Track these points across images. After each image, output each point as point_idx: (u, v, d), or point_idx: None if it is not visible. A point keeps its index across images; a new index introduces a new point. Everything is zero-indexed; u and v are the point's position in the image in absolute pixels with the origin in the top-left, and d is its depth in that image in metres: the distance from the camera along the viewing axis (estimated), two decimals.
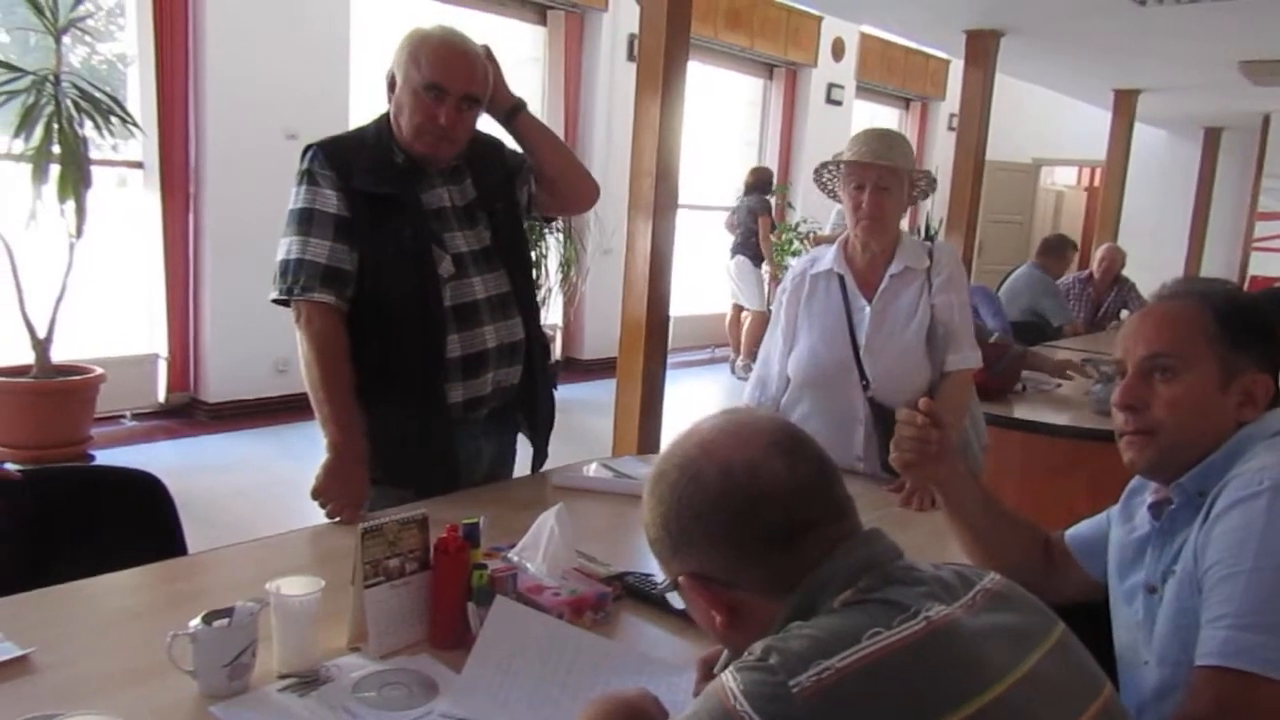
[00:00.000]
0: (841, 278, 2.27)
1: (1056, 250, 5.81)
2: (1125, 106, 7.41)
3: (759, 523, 0.89)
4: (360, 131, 1.95)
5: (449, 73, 1.83)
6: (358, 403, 1.84)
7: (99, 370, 4.57)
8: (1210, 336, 1.23)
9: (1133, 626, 1.30)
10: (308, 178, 1.85)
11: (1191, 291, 1.29)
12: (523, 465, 2.17)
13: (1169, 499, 1.26)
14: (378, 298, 1.86)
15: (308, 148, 1.88)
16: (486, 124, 2.05)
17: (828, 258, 2.31)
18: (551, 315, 6.96)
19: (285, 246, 1.84)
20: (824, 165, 2.29)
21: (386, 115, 1.92)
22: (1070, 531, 1.50)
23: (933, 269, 2.23)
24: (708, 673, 1.24)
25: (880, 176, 2.14)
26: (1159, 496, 1.29)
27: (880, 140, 2.17)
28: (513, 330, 1.99)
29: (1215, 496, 1.17)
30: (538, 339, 2.07)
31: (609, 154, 7.02)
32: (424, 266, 1.85)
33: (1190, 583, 1.16)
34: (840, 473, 0.96)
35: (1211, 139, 9.89)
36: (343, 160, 1.85)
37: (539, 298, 6.99)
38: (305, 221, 1.83)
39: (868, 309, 2.24)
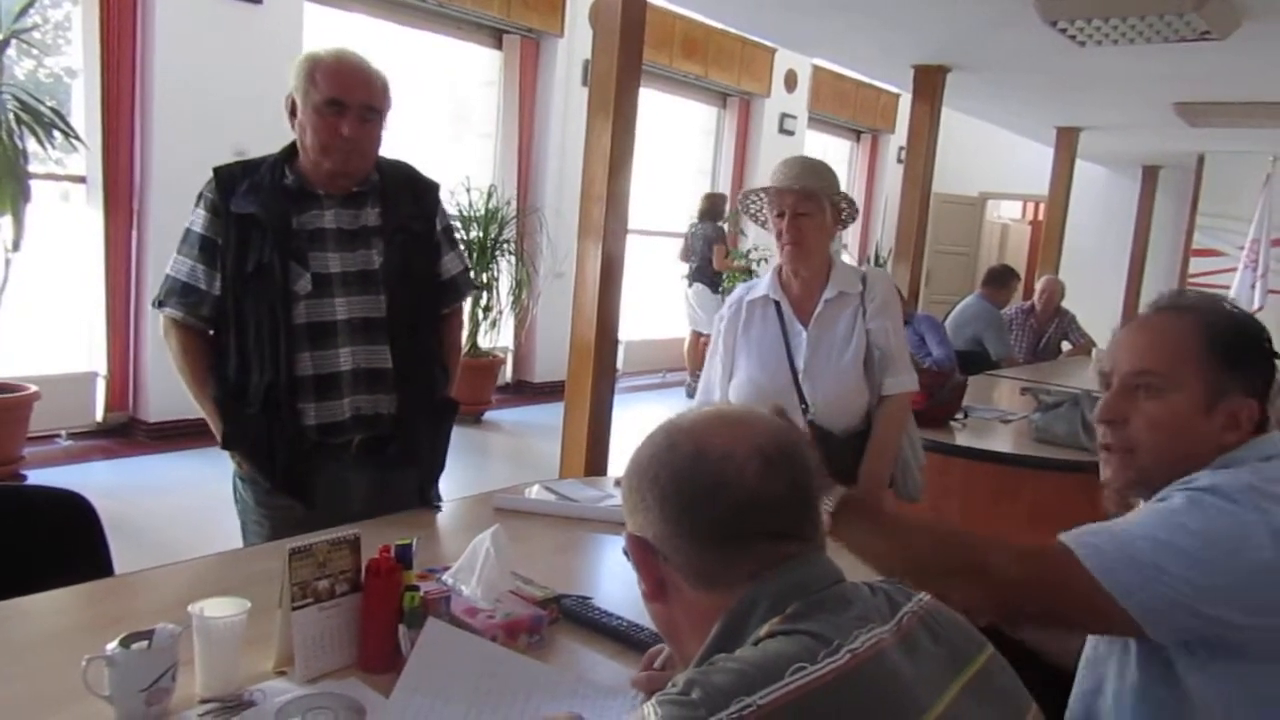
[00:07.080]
0: (778, 304, 2.30)
1: (1000, 280, 5.93)
2: (1067, 144, 7.61)
3: (708, 512, 0.89)
4: (266, 156, 1.98)
5: (346, 87, 1.88)
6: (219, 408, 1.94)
7: (33, 388, 4.45)
8: (1200, 357, 1.19)
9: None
10: (198, 198, 1.96)
11: (1186, 306, 1.24)
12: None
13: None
14: (239, 312, 1.91)
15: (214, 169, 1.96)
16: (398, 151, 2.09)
17: (763, 284, 2.34)
18: (503, 338, 6.92)
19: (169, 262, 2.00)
20: (748, 193, 2.33)
21: (293, 142, 1.96)
22: None
23: (866, 294, 2.27)
24: (649, 664, 1.26)
25: (797, 202, 2.18)
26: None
27: (797, 165, 2.22)
28: (375, 356, 1.94)
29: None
30: (414, 371, 1.98)
31: (562, 178, 7.04)
32: (278, 282, 1.87)
33: None
34: (819, 498, 0.96)
35: (1150, 177, 10.19)
36: (231, 183, 1.92)
37: (490, 320, 6.91)
38: (183, 240, 1.97)
39: (804, 334, 2.26)
